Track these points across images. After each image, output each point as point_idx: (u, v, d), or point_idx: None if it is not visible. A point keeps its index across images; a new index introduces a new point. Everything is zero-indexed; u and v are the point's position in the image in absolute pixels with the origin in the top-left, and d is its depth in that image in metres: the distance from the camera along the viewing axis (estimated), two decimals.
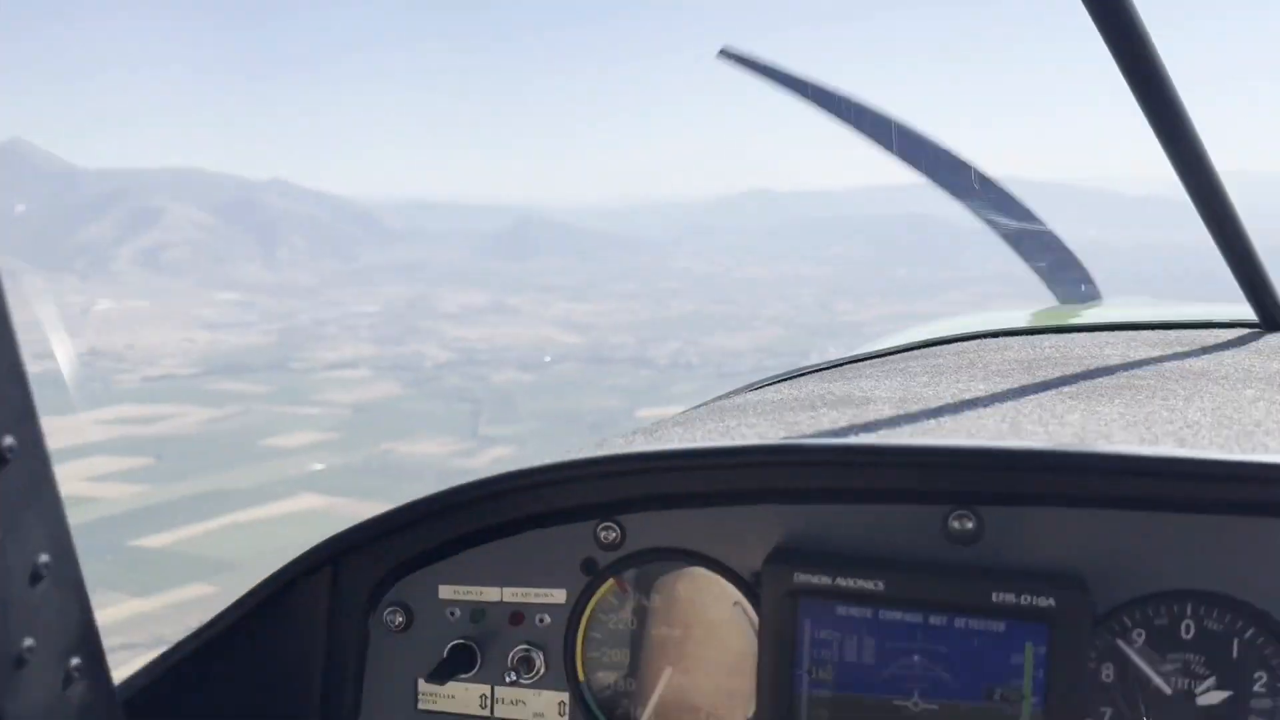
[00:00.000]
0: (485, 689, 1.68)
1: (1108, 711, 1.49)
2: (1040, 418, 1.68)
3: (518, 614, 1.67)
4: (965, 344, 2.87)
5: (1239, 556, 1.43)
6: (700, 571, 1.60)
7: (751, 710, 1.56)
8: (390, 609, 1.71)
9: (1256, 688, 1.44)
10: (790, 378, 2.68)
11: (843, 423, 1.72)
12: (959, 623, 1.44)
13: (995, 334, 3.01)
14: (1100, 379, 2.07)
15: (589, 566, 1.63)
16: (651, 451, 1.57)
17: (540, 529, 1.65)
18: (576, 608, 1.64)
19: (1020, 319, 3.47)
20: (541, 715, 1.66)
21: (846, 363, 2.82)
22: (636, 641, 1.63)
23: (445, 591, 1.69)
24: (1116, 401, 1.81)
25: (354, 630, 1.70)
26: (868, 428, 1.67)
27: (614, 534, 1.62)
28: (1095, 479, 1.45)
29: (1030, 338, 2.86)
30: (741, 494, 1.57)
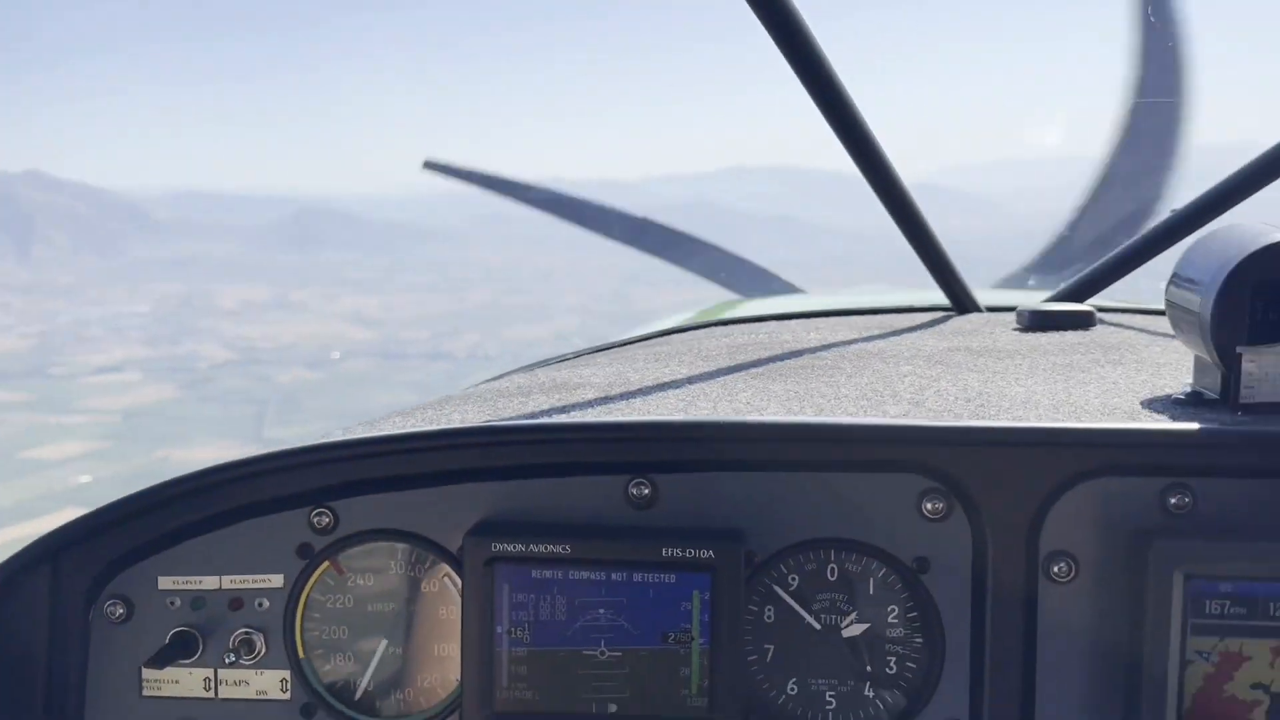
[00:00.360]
0: (208, 672, 1.76)
1: (770, 649, 1.73)
2: (715, 395, 1.90)
3: (237, 600, 1.75)
4: (696, 332, 3.12)
5: (867, 507, 1.69)
6: (410, 548, 1.74)
7: (459, 672, 1.71)
8: (111, 601, 1.75)
9: (890, 619, 1.71)
10: (529, 369, 2.84)
11: (545, 406, 1.88)
12: (637, 577, 1.64)
13: (724, 323, 3.28)
14: (790, 360, 2.33)
15: (304, 551, 1.74)
16: (352, 440, 1.69)
17: (256, 518, 1.74)
18: (294, 591, 1.74)
19: (766, 307, 3.77)
20: (265, 693, 1.76)
21: (587, 353, 3.01)
22: (353, 618, 1.75)
23: (165, 582, 1.76)
24: (791, 380, 2.06)
25: (75, 624, 1.75)
26: (564, 409, 1.84)
27: (327, 519, 1.73)
28: (740, 445, 1.68)
29: (751, 325, 3.14)
30: (444, 475, 1.72)
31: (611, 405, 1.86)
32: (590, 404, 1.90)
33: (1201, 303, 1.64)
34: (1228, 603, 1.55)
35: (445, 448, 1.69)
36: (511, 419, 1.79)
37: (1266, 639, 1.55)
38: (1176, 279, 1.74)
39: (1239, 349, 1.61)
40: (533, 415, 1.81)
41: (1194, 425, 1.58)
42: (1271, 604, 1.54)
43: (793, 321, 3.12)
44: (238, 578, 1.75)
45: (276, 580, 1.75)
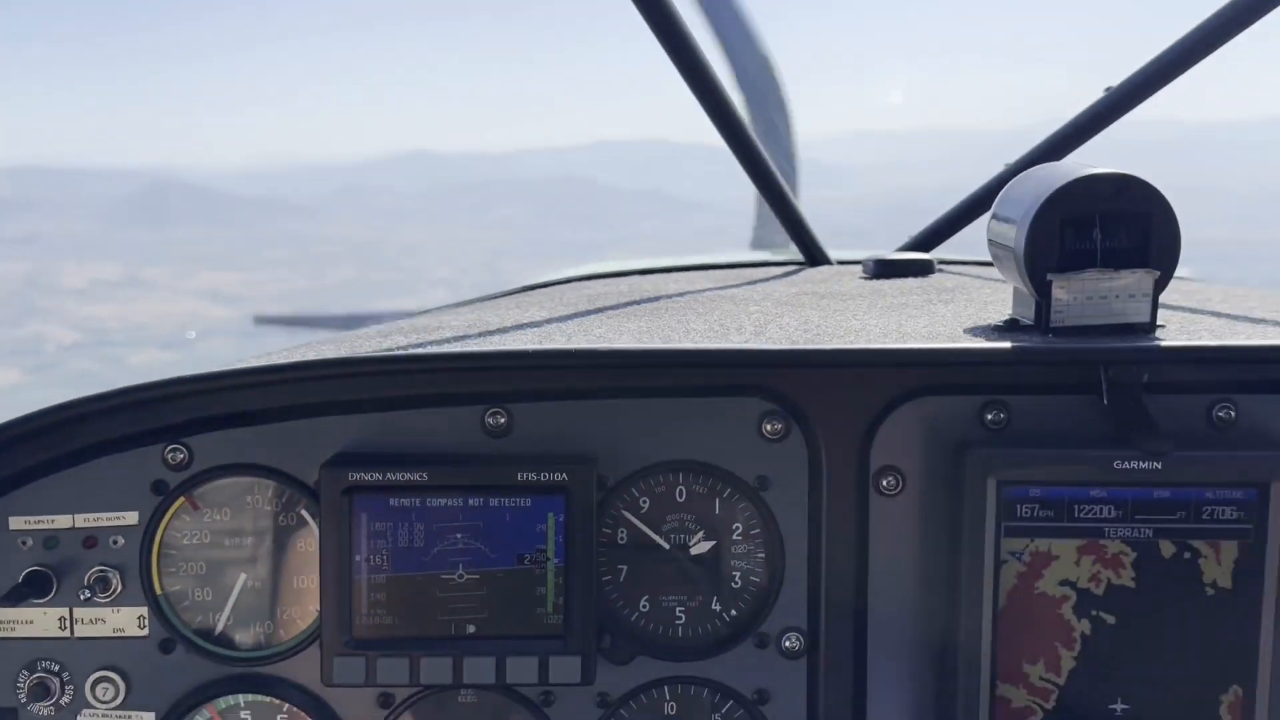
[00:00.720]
0: (63, 611, 1.74)
1: (624, 569, 1.81)
2: (570, 333, 1.96)
3: (91, 538, 1.74)
4: (559, 286, 3.17)
5: (712, 430, 1.78)
6: (267, 483, 1.75)
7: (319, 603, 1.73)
8: None
9: (735, 536, 1.81)
10: (391, 323, 2.85)
11: (402, 343, 1.91)
12: (494, 502, 1.70)
13: (587, 277, 3.34)
14: (646, 304, 2.41)
15: (159, 487, 1.74)
16: (205, 374, 1.69)
17: (108, 455, 1.73)
18: (149, 527, 1.74)
19: (630, 264, 3.83)
20: (123, 630, 1.75)
21: (450, 307, 3.03)
22: (211, 554, 1.76)
23: (16, 522, 1.73)
24: (645, 319, 2.14)
25: None
26: (420, 345, 1.87)
27: (181, 455, 1.73)
28: (592, 372, 1.75)
29: (614, 279, 3.21)
30: (300, 409, 1.73)
31: (468, 341, 1.90)
32: (447, 340, 1.93)
33: (1016, 235, 1.77)
34: (1037, 506, 1.70)
35: (299, 380, 1.71)
36: (368, 354, 1.82)
37: (1072, 539, 1.70)
38: (995, 216, 1.87)
39: (1050, 276, 1.75)
40: (384, 349, 1.84)
41: (1007, 344, 1.72)
42: (1076, 506, 1.70)
43: (655, 275, 3.21)
44: (91, 516, 1.73)
45: (131, 517, 1.74)
